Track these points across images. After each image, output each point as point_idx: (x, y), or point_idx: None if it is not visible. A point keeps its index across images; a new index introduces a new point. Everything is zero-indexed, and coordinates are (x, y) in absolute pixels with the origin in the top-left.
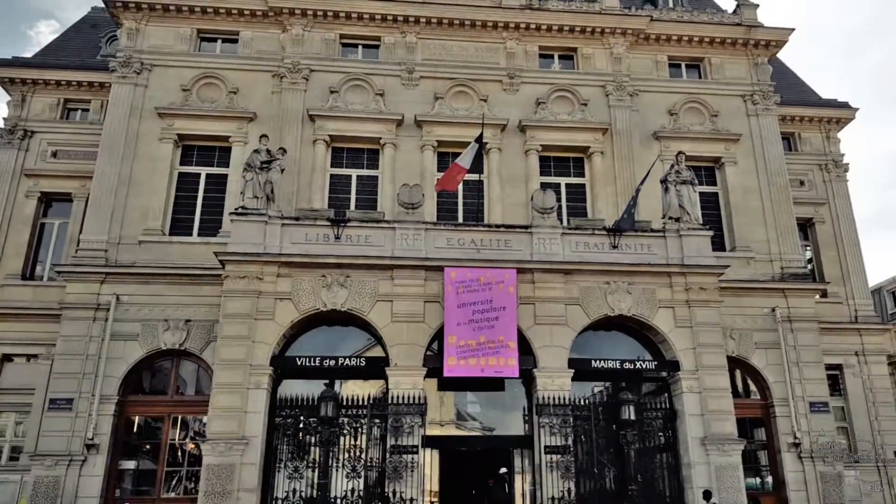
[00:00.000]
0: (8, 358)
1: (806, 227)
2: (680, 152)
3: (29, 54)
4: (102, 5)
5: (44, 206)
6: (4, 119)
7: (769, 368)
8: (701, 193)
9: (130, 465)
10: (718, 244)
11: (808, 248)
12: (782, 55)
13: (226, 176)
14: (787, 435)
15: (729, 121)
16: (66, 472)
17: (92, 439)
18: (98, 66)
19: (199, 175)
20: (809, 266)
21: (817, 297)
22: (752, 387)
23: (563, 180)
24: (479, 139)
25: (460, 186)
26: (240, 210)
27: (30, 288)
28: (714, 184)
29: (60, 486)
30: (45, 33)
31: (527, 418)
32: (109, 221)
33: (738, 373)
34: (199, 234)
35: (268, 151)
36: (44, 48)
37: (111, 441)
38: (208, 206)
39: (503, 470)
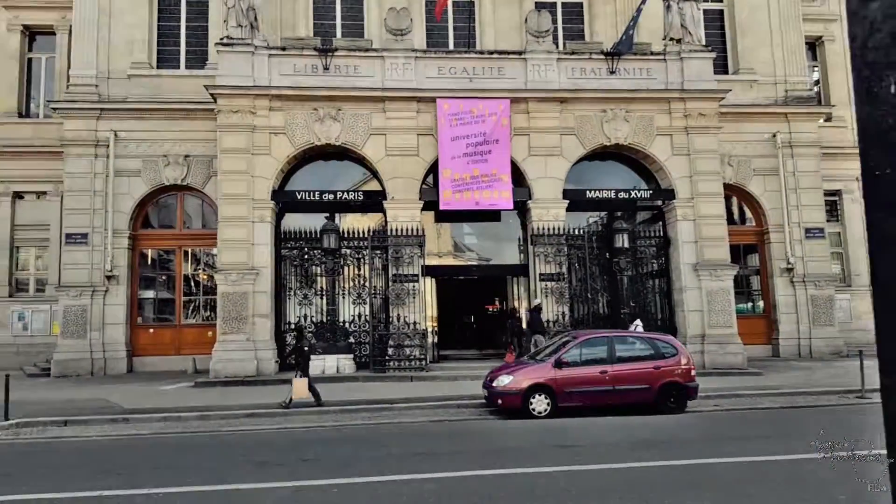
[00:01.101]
0: (19, 195)
1: (815, 45)
2: None
3: None
4: None
5: (28, 40)
6: None
7: (766, 195)
8: (705, 11)
9: (149, 294)
10: (721, 66)
11: (816, 68)
12: None
13: (207, 2)
14: (781, 260)
15: None
16: (90, 301)
17: (111, 271)
18: None
19: (179, 2)
20: (815, 89)
21: (821, 121)
22: (748, 214)
23: None
24: None
25: (450, 10)
26: (225, 40)
27: (28, 125)
28: (720, 0)
29: (87, 313)
30: None
31: (522, 248)
32: (96, 55)
33: (734, 200)
34: (187, 67)
35: None
36: None
37: (129, 272)
38: (192, 36)
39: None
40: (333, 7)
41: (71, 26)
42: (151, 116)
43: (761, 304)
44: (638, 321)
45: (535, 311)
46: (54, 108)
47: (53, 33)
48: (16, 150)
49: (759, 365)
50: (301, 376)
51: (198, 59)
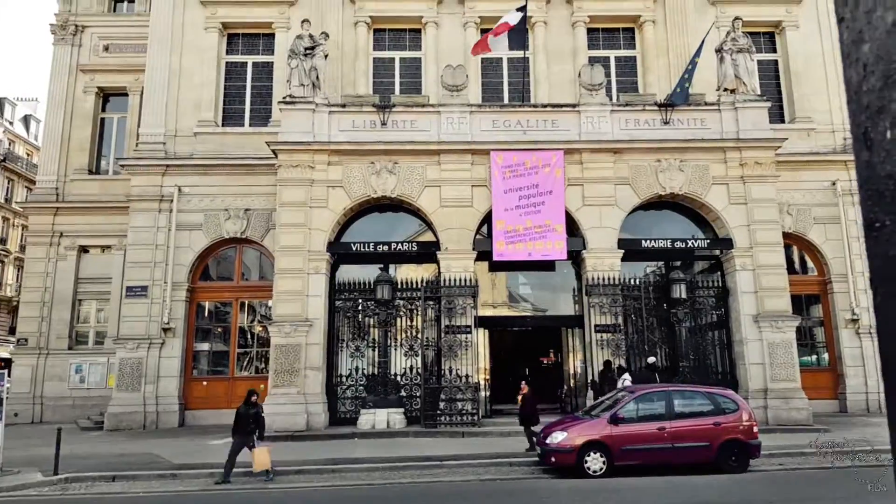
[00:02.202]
0: (84, 250)
1: None
2: (737, 18)
3: None
4: None
5: (102, 101)
6: (56, 15)
7: (828, 244)
8: (759, 62)
9: (204, 346)
10: (776, 115)
11: None
12: None
13: (271, 64)
14: (845, 311)
15: None
16: (147, 353)
17: (168, 323)
18: None
19: (245, 64)
20: None
21: None
22: (810, 263)
23: (612, 53)
24: (522, 8)
25: (504, 66)
26: (287, 98)
27: (97, 182)
28: (774, 51)
29: (143, 366)
30: None
31: (577, 298)
32: (164, 114)
33: (794, 249)
34: (251, 124)
35: (311, 37)
36: None
37: (185, 325)
38: (257, 95)
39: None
40: (392, 66)
41: (143, 88)
42: (214, 172)
43: (826, 356)
44: (626, 375)
45: (648, 369)
46: (123, 165)
47: (126, 94)
48: (84, 205)
49: (825, 421)
50: (259, 445)
51: (261, 116)
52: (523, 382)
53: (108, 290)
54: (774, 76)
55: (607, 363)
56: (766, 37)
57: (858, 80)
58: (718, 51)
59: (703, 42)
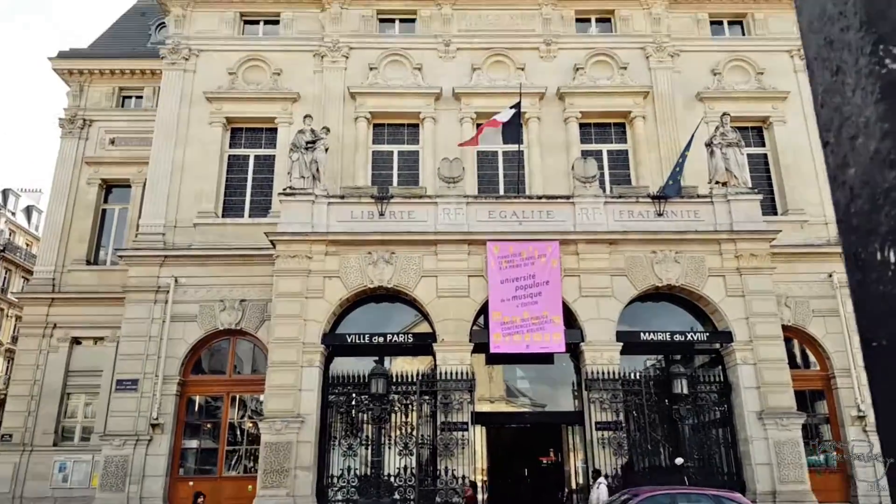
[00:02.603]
0: (77, 341)
1: None
2: (725, 113)
3: (85, 45)
4: None
5: (104, 192)
6: (65, 110)
7: (828, 337)
8: (749, 155)
9: (193, 444)
10: (769, 208)
11: None
12: None
13: (273, 157)
14: (851, 407)
15: (776, 78)
16: (133, 451)
17: (156, 419)
18: (149, 54)
19: (247, 157)
20: None
21: None
22: (811, 357)
23: (604, 147)
24: (516, 106)
25: (500, 158)
26: (287, 190)
27: (94, 272)
28: (762, 144)
29: (128, 465)
30: (99, 25)
31: (576, 393)
32: (166, 206)
33: (795, 342)
34: (251, 216)
35: (312, 131)
36: (98, 38)
37: (174, 421)
38: (258, 187)
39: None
40: (391, 158)
41: (146, 179)
42: (212, 263)
43: (833, 454)
44: (602, 479)
45: (676, 470)
46: (121, 256)
47: (129, 186)
48: (80, 296)
49: None
50: None
51: (261, 207)
52: (467, 482)
53: (98, 383)
54: (765, 169)
55: (596, 472)
56: (755, 131)
57: (846, 203)
58: (708, 145)
59: (692, 137)
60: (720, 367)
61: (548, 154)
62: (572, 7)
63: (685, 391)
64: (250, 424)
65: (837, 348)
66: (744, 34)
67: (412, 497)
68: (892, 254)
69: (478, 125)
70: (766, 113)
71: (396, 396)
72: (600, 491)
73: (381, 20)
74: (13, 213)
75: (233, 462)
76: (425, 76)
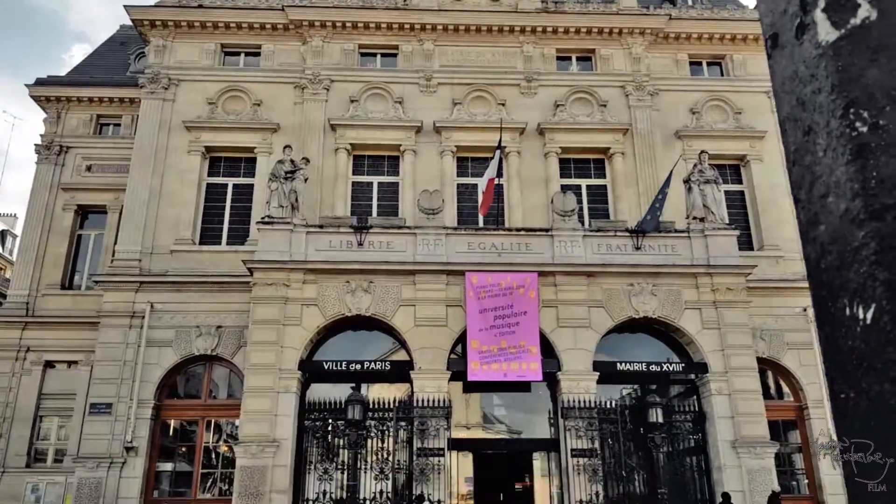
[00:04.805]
0: (50, 364)
1: None
2: (703, 151)
3: (63, 73)
4: (131, 24)
5: (80, 218)
6: (41, 136)
7: (802, 369)
8: (726, 192)
9: (167, 467)
10: (746, 243)
11: None
12: None
13: (252, 186)
14: (823, 437)
15: (753, 118)
16: (107, 473)
17: (131, 442)
18: (128, 83)
19: (226, 186)
20: None
21: None
22: (785, 388)
23: (583, 182)
24: (499, 145)
25: (479, 191)
26: (266, 219)
27: (69, 297)
28: (740, 182)
29: (102, 487)
30: (79, 56)
31: (552, 421)
32: (142, 232)
33: (769, 374)
34: (228, 243)
35: (291, 161)
36: (76, 66)
37: (149, 444)
38: (236, 215)
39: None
40: (371, 189)
41: (122, 206)
42: (188, 289)
43: (805, 481)
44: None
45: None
46: (96, 282)
47: (105, 212)
48: (54, 320)
49: None
50: None
51: (238, 235)
52: None
53: (72, 406)
54: (742, 205)
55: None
56: (732, 168)
57: (816, 258)
58: (686, 181)
59: (671, 173)
60: (695, 396)
61: (527, 188)
62: (553, 45)
63: (660, 420)
64: (226, 448)
65: (811, 380)
66: (722, 75)
67: None
68: (860, 310)
69: (458, 158)
70: (743, 151)
71: (373, 422)
72: None
73: (363, 54)
74: None
75: (208, 485)
76: (406, 109)
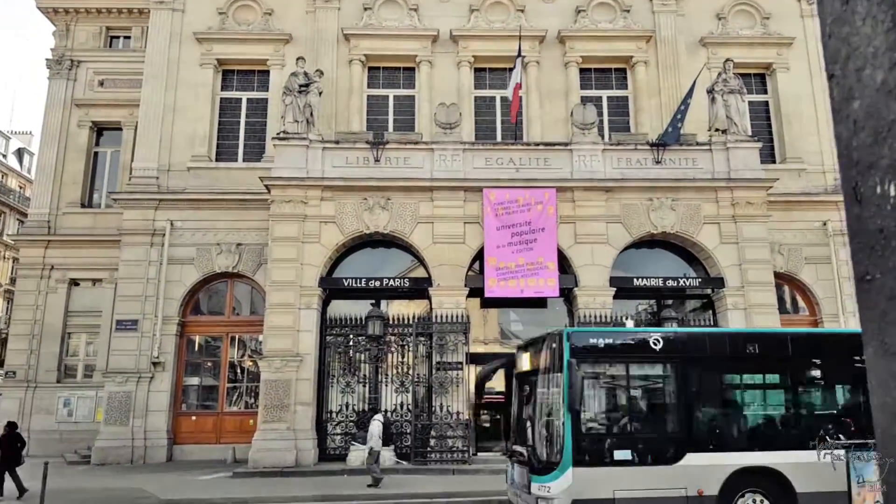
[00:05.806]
0: (75, 282)
1: None
2: (728, 59)
3: None
4: None
5: (95, 134)
6: (52, 50)
7: (819, 284)
8: (750, 103)
9: (194, 381)
10: (768, 155)
11: None
12: None
13: (266, 100)
14: None
15: (782, 23)
16: (136, 387)
17: (157, 357)
18: None
19: (240, 100)
20: None
21: None
22: (801, 303)
23: (604, 93)
24: (518, 53)
25: (497, 105)
26: (281, 134)
27: (89, 215)
28: (765, 92)
29: (132, 400)
30: None
31: None
32: (158, 149)
33: (786, 288)
34: (244, 160)
35: (305, 74)
36: None
37: (175, 359)
38: (251, 130)
39: None
40: (386, 103)
41: (137, 122)
42: (207, 207)
43: None
44: (378, 416)
45: None
46: (115, 199)
47: (120, 129)
48: (76, 238)
49: None
50: None
51: (255, 152)
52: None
53: (99, 323)
54: (766, 117)
55: None
56: (758, 78)
57: (848, 136)
58: (710, 91)
59: (694, 83)
60: (711, 311)
61: (547, 100)
62: None
63: None
64: (250, 363)
65: (827, 294)
66: None
67: (408, 431)
68: (892, 187)
69: (475, 69)
70: (769, 59)
71: (393, 338)
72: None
73: None
74: (4, 156)
75: (234, 398)
76: (421, 17)
